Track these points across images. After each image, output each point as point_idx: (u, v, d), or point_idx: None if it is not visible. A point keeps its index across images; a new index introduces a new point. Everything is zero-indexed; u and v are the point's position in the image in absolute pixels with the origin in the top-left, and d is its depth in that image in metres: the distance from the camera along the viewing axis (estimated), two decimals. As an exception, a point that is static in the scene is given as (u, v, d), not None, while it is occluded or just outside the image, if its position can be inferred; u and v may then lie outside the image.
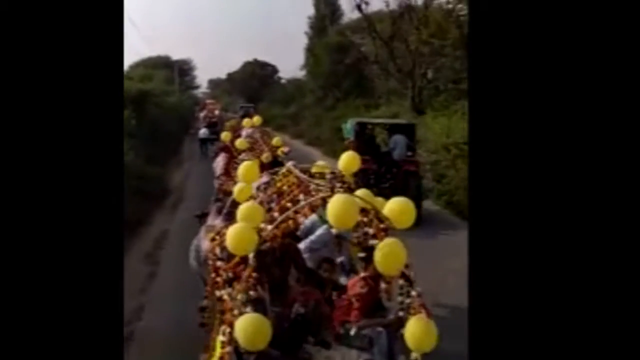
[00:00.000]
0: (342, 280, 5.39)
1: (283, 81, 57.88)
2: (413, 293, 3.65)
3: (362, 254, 5.13)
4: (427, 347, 3.36)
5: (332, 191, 3.96)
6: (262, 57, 64.06)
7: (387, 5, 22.68)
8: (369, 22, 23.52)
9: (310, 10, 42.08)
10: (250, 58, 64.35)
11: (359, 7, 23.28)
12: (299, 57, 48.24)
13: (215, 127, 24.21)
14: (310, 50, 38.69)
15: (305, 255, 5.41)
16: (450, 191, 13.42)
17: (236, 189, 5.28)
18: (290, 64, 71.87)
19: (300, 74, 43.83)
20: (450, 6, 20.89)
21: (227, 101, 56.75)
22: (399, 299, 3.79)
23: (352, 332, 4.54)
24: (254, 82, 60.83)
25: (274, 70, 63.49)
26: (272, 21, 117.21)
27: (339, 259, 5.63)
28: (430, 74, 22.28)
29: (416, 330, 3.36)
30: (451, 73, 20.52)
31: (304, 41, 42.87)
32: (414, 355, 3.42)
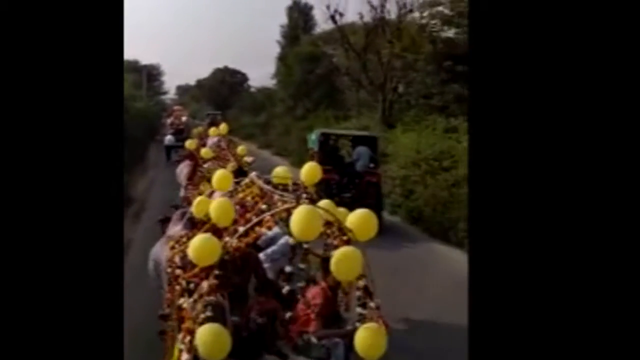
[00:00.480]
0: (290, 288, 5.44)
1: (253, 90, 57.30)
2: (371, 304, 3.73)
3: (302, 265, 5.45)
4: (375, 354, 3.43)
5: (298, 202, 3.97)
6: (232, 65, 63.64)
7: (361, 18, 22.65)
8: (342, 33, 23.41)
9: (283, 19, 41.92)
10: (220, 65, 63.82)
11: (332, 18, 23.17)
12: (270, 66, 48.03)
13: (181, 134, 23.72)
14: (281, 60, 38.40)
15: (266, 265, 5.51)
16: (419, 207, 13.27)
17: (195, 202, 5.35)
18: (261, 72, 71.60)
19: (271, 82, 43.54)
20: (424, 21, 20.92)
21: (195, 108, 56.13)
22: (357, 310, 3.85)
23: (312, 342, 4.59)
24: (223, 90, 60.20)
25: (244, 78, 63.00)
26: (244, 29, 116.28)
27: (288, 269, 5.65)
28: (401, 88, 22.25)
29: (365, 338, 3.43)
30: (422, 87, 20.50)
31: (275, 50, 42.66)
32: None
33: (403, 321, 7.17)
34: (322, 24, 28.04)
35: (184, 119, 29.27)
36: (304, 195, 4.48)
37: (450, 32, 20.51)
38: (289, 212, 3.85)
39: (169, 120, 29.65)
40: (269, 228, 4.44)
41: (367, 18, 22.52)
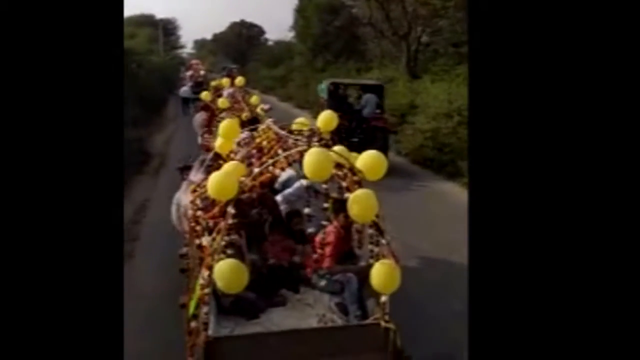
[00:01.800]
0: (310, 230, 5.63)
1: (270, 43, 56.44)
2: (382, 241, 3.91)
3: (326, 205, 5.77)
4: (389, 289, 3.73)
5: (309, 145, 4.12)
6: (249, 18, 62.54)
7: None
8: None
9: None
10: (237, 18, 62.68)
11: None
12: (288, 19, 46.94)
13: (201, 86, 23.18)
14: (299, 12, 37.36)
15: (282, 207, 5.79)
16: (454, 161, 12.46)
17: (217, 142, 5.62)
18: (279, 25, 70.23)
19: (289, 35, 42.53)
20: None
21: (213, 62, 55.37)
22: (370, 247, 4.01)
23: (327, 277, 4.84)
24: (240, 43, 59.47)
25: (260, 31, 62.07)
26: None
27: (306, 210, 5.85)
28: (425, 37, 21.27)
29: (380, 273, 3.71)
30: (452, 36, 19.50)
31: (293, 2, 41.51)
32: (383, 298, 3.81)
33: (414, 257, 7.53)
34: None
35: (202, 72, 28.92)
36: (319, 140, 4.66)
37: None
38: (301, 154, 3.97)
39: (188, 74, 29.22)
40: (282, 169, 4.61)
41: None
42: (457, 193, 11.26)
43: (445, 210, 10.10)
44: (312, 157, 3.71)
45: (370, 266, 3.86)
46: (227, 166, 4.49)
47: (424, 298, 6.26)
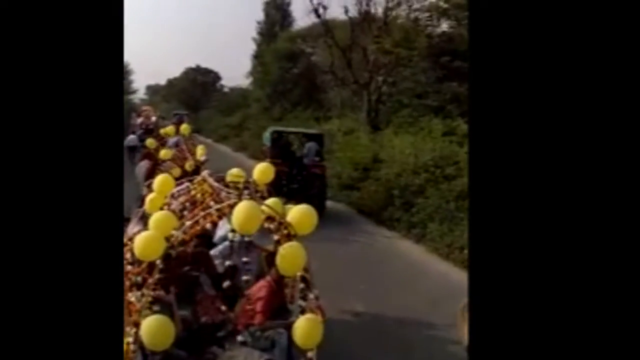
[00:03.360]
0: (246, 278, 5.66)
1: (226, 89, 55.49)
2: (310, 296, 4.08)
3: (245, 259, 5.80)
4: (311, 343, 3.78)
5: (239, 198, 4.22)
6: (205, 64, 61.61)
7: (346, 12, 20.98)
8: (326, 27, 21.70)
9: (259, 15, 40.18)
10: (192, 64, 61.71)
11: (316, 12, 21.41)
12: (244, 65, 46.39)
13: (151, 133, 22.01)
14: (257, 57, 36.76)
15: (218, 261, 5.83)
16: (423, 222, 11.42)
17: (147, 199, 5.65)
18: (234, 71, 69.58)
19: (246, 82, 41.80)
20: (416, 14, 19.24)
21: (166, 108, 54.12)
22: (299, 302, 4.14)
23: (257, 334, 4.75)
24: (195, 90, 58.30)
25: (216, 77, 61.05)
26: (217, 27, 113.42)
27: (228, 263, 5.80)
28: (385, 87, 20.55)
29: (302, 327, 3.78)
30: (416, 86, 18.76)
31: (251, 47, 40.95)
32: (309, 354, 3.83)
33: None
34: (300, 20, 26.40)
35: (153, 119, 27.75)
36: (252, 192, 4.65)
37: (445, 26, 18.85)
38: (232, 207, 4.06)
39: (138, 121, 27.64)
40: (212, 222, 4.55)
41: (352, 12, 21.00)
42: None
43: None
44: (241, 210, 3.87)
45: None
46: (157, 217, 4.48)
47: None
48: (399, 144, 14.36)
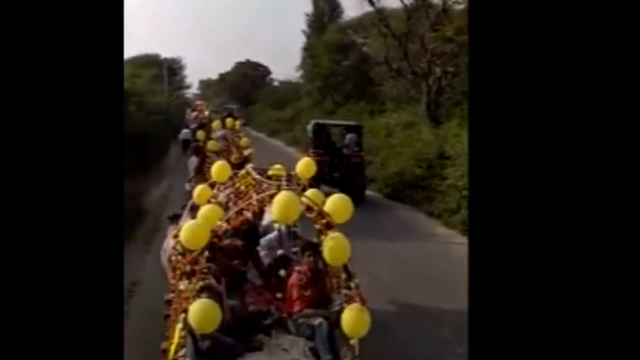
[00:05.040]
0: (281, 272, 5.76)
1: (276, 83, 55.28)
2: (352, 285, 4.19)
3: (295, 249, 6.09)
4: (359, 333, 3.92)
5: (279, 189, 4.33)
6: (255, 58, 61.59)
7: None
8: (381, 16, 20.83)
9: (308, 8, 39.51)
10: (242, 58, 61.75)
11: (370, 1, 20.53)
12: (294, 59, 45.93)
13: (204, 127, 21.77)
14: (308, 50, 36.18)
15: (263, 253, 6.04)
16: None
17: (196, 190, 5.75)
18: (285, 65, 69.31)
19: (296, 75, 41.32)
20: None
21: (219, 103, 54.30)
22: (345, 291, 4.23)
23: (298, 322, 4.94)
24: (245, 84, 58.41)
25: (266, 71, 61.03)
26: (267, 21, 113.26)
27: (279, 252, 6.01)
28: (445, 78, 19.58)
29: (350, 318, 3.90)
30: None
31: (301, 40, 40.38)
32: (352, 341, 3.99)
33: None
34: (349, 10, 25.63)
35: (206, 113, 27.69)
36: (292, 184, 4.89)
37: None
38: (272, 198, 4.14)
39: (192, 115, 28.46)
40: (254, 213, 4.62)
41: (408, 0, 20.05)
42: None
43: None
44: (280, 200, 3.97)
45: (340, 311, 4.13)
46: (204, 209, 4.67)
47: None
48: (466, 139, 13.41)
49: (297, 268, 5.31)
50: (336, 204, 4.31)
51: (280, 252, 6.06)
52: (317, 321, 4.79)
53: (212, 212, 4.56)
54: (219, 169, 5.81)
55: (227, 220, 4.33)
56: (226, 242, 4.87)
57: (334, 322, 4.49)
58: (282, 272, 5.69)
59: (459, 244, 10.65)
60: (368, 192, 14.95)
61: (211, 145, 10.67)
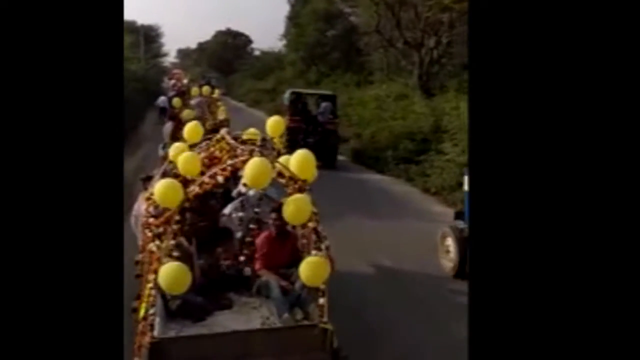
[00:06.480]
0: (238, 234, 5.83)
1: (258, 53, 53.93)
2: (322, 246, 4.31)
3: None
4: (317, 280, 4.14)
5: (251, 155, 4.37)
6: (236, 27, 60.17)
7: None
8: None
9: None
10: (223, 27, 60.32)
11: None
12: (277, 28, 44.78)
13: (183, 96, 21.02)
14: (292, 19, 35.03)
15: (240, 214, 6.00)
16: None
17: (172, 148, 5.76)
18: (266, 34, 67.70)
19: (279, 45, 40.17)
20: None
21: (198, 72, 52.93)
22: (313, 252, 4.32)
23: (262, 281, 5.08)
24: (226, 53, 57.01)
25: (247, 40, 59.59)
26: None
27: (240, 214, 6.01)
28: (438, 49, 18.64)
29: (308, 265, 4.12)
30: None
31: (284, 9, 39.22)
32: (321, 300, 4.18)
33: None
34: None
35: (185, 81, 27.17)
36: (267, 149, 5.18)
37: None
38: (244, 163, 4.24)
39: (170, 83, 28.27)
40: (226, 177, 4.63)
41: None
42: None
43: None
44: (252, 166, 4.09)
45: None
46: (182, 157, 4.81)
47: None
48: (462, 109, 12.49)
49: (268, 229, 5.40)
50: (299, 160, 4.44)
51: (240, 214, 6.04)
52: (268, 280, 4.95)
53: (191, 160, 4.76)
54: (191, 129, 5.94)
55: (200, 184, 4.37)
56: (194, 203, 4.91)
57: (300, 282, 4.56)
58: (239, 234, 5.75)
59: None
60: (366, 174, 14.94)
61: (186, 114, 10.89)
